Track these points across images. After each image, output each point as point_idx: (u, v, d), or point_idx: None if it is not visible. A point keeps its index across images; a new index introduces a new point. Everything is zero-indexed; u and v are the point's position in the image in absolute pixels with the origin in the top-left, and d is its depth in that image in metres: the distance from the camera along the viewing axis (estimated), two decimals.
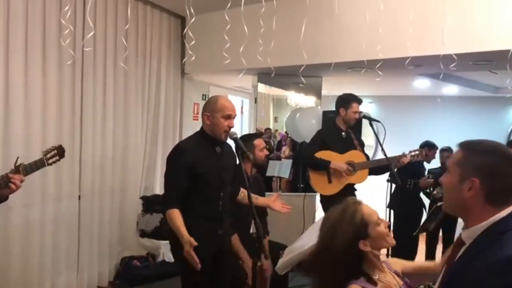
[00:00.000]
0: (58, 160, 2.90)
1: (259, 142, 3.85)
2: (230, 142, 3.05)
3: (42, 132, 4.22)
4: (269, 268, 3.60)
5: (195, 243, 2.66)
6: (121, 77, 5.09)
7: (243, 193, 3.27)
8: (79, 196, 4.69)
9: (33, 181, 4.13)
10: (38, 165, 2.73)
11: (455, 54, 3.90)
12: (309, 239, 2.87)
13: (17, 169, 2.59)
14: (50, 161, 2.82)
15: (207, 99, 4.04)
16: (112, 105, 4.99)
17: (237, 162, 3.24)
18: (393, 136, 7.50)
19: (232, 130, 2.93)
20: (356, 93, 4.38)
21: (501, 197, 1.49)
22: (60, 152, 2.90)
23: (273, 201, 3.42)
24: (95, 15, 4.68)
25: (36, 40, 4.15)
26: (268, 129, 7.49)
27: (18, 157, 2.67)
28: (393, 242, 1.96)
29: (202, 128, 3.02)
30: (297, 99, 6.60)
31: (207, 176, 2.90)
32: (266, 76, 5.53)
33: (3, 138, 3.92)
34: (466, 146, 1.59)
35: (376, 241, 1.88)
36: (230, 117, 2.91)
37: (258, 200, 3.36)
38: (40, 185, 4.26)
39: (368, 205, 1.95)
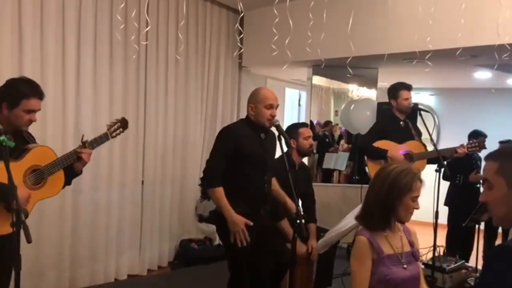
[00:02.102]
0: (122, 131, 2.95)
1: (304, 130, 3.86)
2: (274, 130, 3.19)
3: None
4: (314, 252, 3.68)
5: (247, 222, 2.92)
6: (182, 71, 5.37)
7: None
8: (142, 182, 5.03)
9: (101, 168, 4.55)
10: (103, 138, 2.84)
11: (508, 44, 3.84)
12: (348, 221, 2.99)
13: (83, 145, 2.75)
14: (114, 134, 2.90)
15: None
16: (174, 98, 5.29)
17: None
18: (455, 128, 7.38)
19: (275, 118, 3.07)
20: (417, 85, 4.34)
21: None
22: (123, 124, 2.95)
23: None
24: (157, 12, 4.99)
25: (103, 37, 4.50)
26: (329, 121, 7.38)
27: (83, 135, 2.88)
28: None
29: (247, 116, 3.19)
30: (358, 92, 6.52)
31: (252, 158, 3.07)
32: (322, 68, 5.49)
33: (75, 128, 4.31)
34: (496, 155, 1.51)
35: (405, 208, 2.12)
36: (272, 107, 3.07)
37: (280, 192, 3.39)
38: (107, 171, 4.63)
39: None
